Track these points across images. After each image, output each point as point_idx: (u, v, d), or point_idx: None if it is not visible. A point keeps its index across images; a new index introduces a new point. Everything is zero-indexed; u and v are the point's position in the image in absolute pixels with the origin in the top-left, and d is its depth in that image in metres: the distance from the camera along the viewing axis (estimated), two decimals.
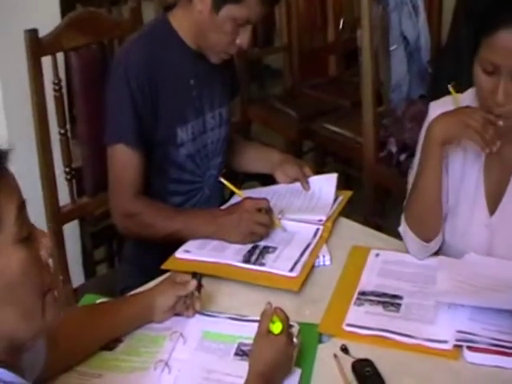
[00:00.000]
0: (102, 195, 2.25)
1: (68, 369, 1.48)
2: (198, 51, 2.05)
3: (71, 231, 2.50)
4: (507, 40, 1.58)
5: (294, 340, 1.47)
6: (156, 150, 2.04)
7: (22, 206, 1.08)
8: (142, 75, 1.97)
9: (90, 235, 2.55)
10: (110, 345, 1.56)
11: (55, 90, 2.25)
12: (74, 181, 2.30)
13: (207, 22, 1.96)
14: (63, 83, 2.29)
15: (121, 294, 1.92)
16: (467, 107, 1.73)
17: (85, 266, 2.55)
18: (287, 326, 1.45)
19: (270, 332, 1.43)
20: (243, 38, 1.99)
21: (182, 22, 2.03)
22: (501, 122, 1.65)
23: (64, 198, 2.26)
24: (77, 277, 2.48)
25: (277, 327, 1.42)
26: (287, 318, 1.47)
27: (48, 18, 2.54)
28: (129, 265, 2.23)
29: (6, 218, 1.05)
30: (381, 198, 3.15)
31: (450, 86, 1.81)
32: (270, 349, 1.40)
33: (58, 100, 2.26)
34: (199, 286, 1.63)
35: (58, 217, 2.21)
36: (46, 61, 2.20)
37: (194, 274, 1.64)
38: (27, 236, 1.08)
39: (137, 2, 4.43)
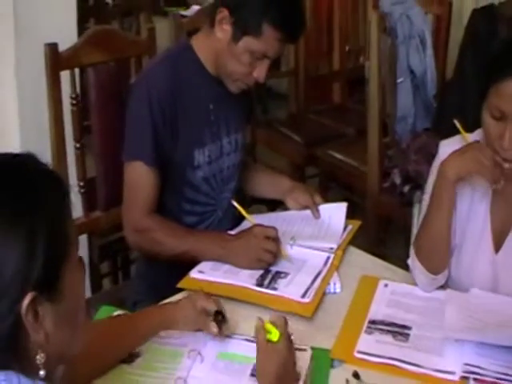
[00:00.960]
0: (114, 210, 2.28)
1: (87, 382, 1.49)
2: (218, 77, 2.09)
3: (80, 244, 2.52)
4: None
5: (307, 363, 1.50)
6: (173, 169, 2.08)
7: None
8: (163, 97, 2.01)
9: (98, 248, 2.58)
10: (128, 358, 1.59)
11: (72, 105, 2.29)
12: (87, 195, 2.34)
13: (226, 51, 2.00)
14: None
15: (133, 307, 1.95)
16: (476, 143, 1.76)
17: (91, 278, 2.57)
18: (285, 329, 1.44)
19: (269, 341, 1.42)
20: (260, 71, 2.02)
21: (203, 48, 2.08)
22: (507, 165, 1.69)
23: (76, 210, 2.28)
24: None
25: (274, 335, 1.42)
26: (286, 322, 1.45)
27: (64, 32, 2.58)
28: (140, 280, 2.27)
29: (74, 238, 1.11)
30: (383, 227, 3.19)
31: (456, 121, 1.84)
32: (273, 359, 1.40)
33: (75, 114, 2.30)
34: (221, 320, 1.64)
35: None
36: (64, 75, 2.24)
37: (217, 313, 1.64)
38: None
39: (147, 16, 4.50)
